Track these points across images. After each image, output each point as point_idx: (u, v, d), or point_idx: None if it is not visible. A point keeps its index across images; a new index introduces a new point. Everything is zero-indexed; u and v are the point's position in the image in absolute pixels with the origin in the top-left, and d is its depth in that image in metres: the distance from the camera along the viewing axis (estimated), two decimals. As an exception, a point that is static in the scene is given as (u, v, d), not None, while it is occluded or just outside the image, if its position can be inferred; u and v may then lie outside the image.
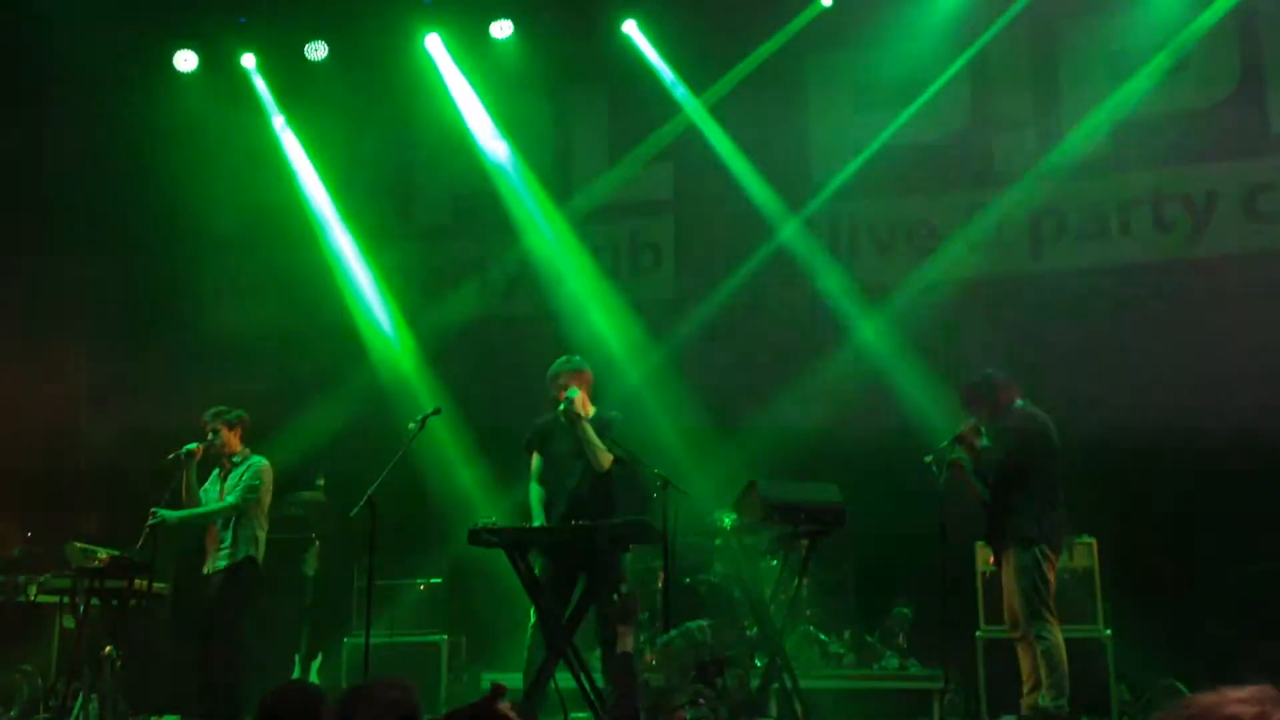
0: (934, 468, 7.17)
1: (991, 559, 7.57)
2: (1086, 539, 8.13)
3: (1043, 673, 6.96)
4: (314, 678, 8.85)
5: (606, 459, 7.30)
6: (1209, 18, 9.46)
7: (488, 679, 8.77)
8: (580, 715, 7.02)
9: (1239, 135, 9.47)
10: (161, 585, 8.28)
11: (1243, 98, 9.50)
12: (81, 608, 7.82)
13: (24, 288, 10.90)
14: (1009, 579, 7.18)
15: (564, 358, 7.70)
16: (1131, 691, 7.95)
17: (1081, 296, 9.54)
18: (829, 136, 10.50)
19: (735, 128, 10.54)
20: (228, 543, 7.84)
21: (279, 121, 11.39)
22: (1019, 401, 7.28)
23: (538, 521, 7.39)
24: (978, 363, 7.77)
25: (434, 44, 11.08)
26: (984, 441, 7.20)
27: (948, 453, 7.20)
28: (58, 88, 10.72)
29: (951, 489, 7.19)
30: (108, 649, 7.77)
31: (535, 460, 7.59)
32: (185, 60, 11.25)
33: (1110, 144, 9.74)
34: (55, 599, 8.23)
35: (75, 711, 7.51)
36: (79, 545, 7.77)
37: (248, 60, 11.35)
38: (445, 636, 9.32)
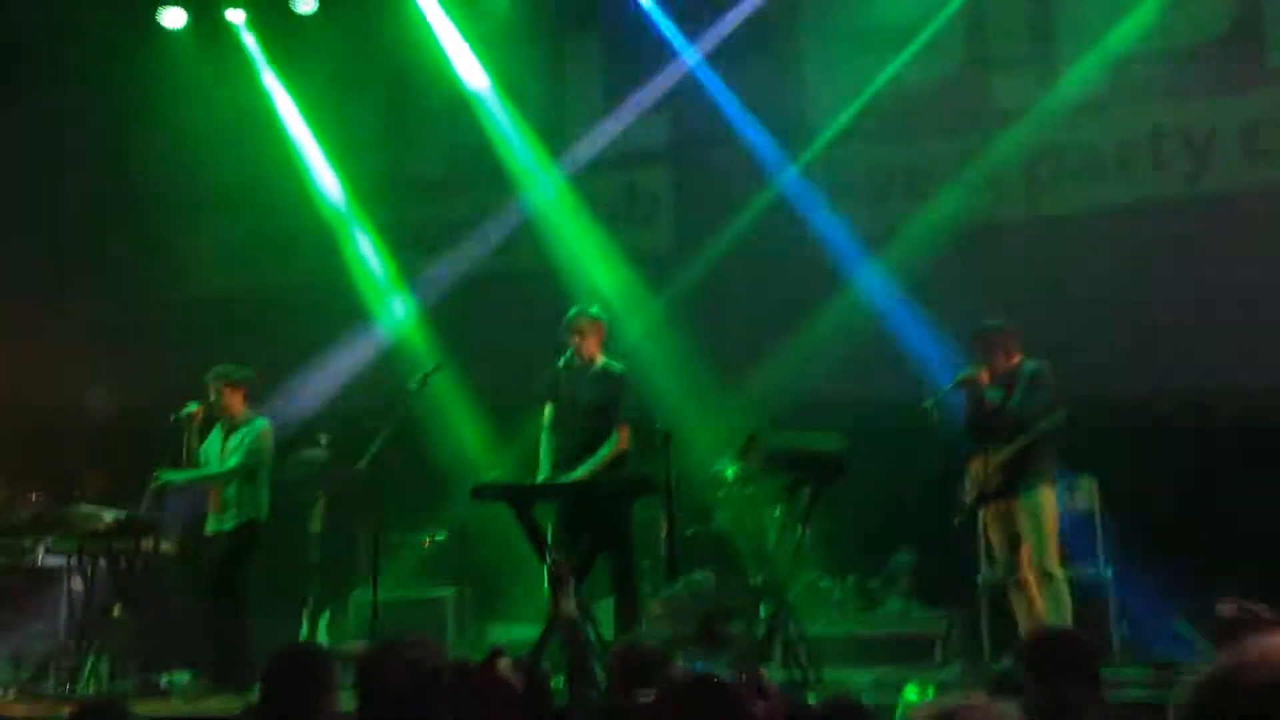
0: (933, 413, 7.16)
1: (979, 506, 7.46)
2: (1088, 479, 8.15)
3: (1047, 613, 6.99)
4: (322, 635, 8.91)
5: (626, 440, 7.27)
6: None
7: (494, 633, 8.87)
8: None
9: (1237, 70, 9.37)
10: (168, 546, 8.31)
11: (1240, 32, 9.39)
12: (89, 570, 7.86)
13: (20, 247, 10.87)
14: (1010, 523, 7.19)
15: (578, 307, 7.63)
16: (1133, 630, 8.00)
17: (1080, 239, 9.50)
18: (825, 82, 10.41)
19: (731, 75, 10.45)
20: (231, 504, 7.86)
21: (269, 78, 11.28)
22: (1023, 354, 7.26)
23: (544, 474, 7.38)
24: (976, 308, 7.73)
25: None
26: (989, 393, 7.18)
27: (948, 395, 7.22)
28: (44, 50, 10.64)
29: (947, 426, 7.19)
30: (116, 610, 7.83)
31: (548, 409, 7.54)
32: (172, 18, 11.11)
33: (1108, 83, 9.65)
34: (63, 561, 8.26)
35: (86, 672, 7.58)
36: (84, 508, 7.79)
37: (235, 16, 11.22)
38: (452, 591, 9.36)
